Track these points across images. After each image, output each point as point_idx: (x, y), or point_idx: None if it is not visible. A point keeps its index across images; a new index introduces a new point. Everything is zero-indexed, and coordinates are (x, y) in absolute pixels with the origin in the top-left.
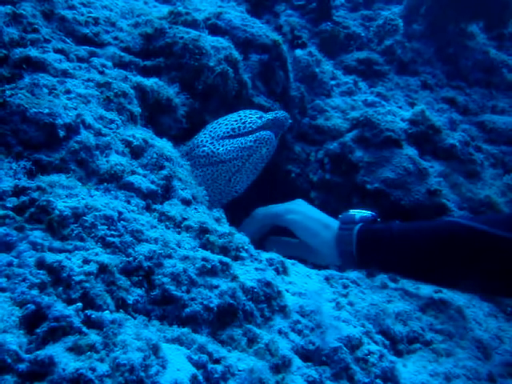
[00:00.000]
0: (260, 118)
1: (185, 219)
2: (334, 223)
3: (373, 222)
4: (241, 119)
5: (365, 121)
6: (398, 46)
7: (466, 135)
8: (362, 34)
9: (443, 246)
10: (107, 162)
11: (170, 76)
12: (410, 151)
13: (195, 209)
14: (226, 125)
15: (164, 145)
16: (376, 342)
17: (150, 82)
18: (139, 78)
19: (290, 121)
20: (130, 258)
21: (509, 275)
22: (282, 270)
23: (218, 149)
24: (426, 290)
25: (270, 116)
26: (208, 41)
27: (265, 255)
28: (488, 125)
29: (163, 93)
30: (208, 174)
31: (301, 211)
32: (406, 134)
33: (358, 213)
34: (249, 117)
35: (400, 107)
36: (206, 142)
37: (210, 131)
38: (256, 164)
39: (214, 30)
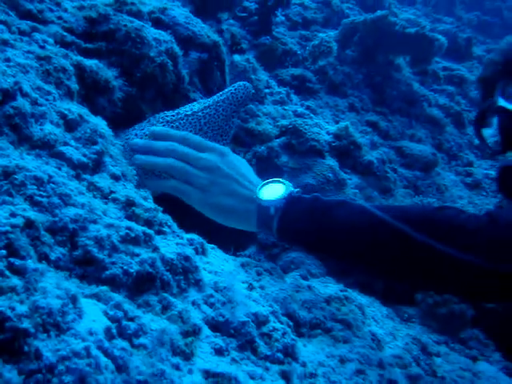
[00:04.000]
0: None
1: (112, 192)
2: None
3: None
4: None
5: (293, 129)
6: (330, 68)
7: (383, 153)
8: (299, 52)
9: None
10: (41, 130)
11: (110, 60)
12: (331, 162)
13: (123, 185)
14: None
15: (99, 122)
16: (281, 322)
17: (90, 63)
18: (80, 57)
19: (253, 90)
20: (56, 218)
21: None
22: (201, 251)
23: (191, 108)
24: (333, 288)
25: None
26: (151, 32)
27: (186, 235)
28: (405, 150)
29: (102, 74)
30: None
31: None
32: (330, 146)
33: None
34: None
35: (327, 123)
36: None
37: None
38: (228, 114)
39: (158, 24)
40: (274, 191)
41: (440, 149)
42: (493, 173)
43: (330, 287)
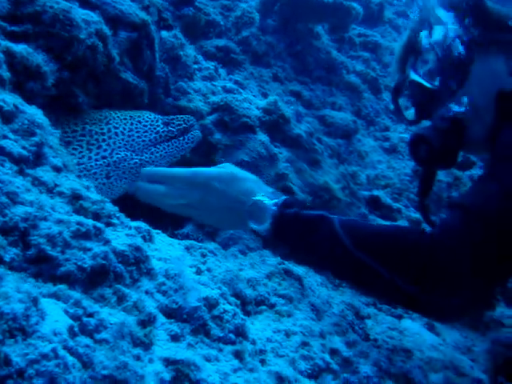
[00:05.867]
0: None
1: (57, 185)
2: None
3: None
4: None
5: (225, 106)
6: (253, 38)
7: (310, 126)
8: (222, 23)
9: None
10: None
11: (37, 44)
12: (262, 137)
13: (66, 176)
14: (141, 136)
15: (35, 112)
16: (230, 303)
17: (20, 48)
18: (9, 43)
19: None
20: (7, 218)
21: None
22: (148, 238)
23: (150, 157)
24: (272, 261)
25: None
26: (79, 13)
27: (132, 224)
28: (328, 119)
29: (33, 59)
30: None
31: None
32: (260, 121)
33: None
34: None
35: (254, 96)
36: (131, 155)
37: (125, 144)
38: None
39: (84, 4)
40: (260, 210)
41: (359, 115)
42: (407, 136)
43: (268, 261)
